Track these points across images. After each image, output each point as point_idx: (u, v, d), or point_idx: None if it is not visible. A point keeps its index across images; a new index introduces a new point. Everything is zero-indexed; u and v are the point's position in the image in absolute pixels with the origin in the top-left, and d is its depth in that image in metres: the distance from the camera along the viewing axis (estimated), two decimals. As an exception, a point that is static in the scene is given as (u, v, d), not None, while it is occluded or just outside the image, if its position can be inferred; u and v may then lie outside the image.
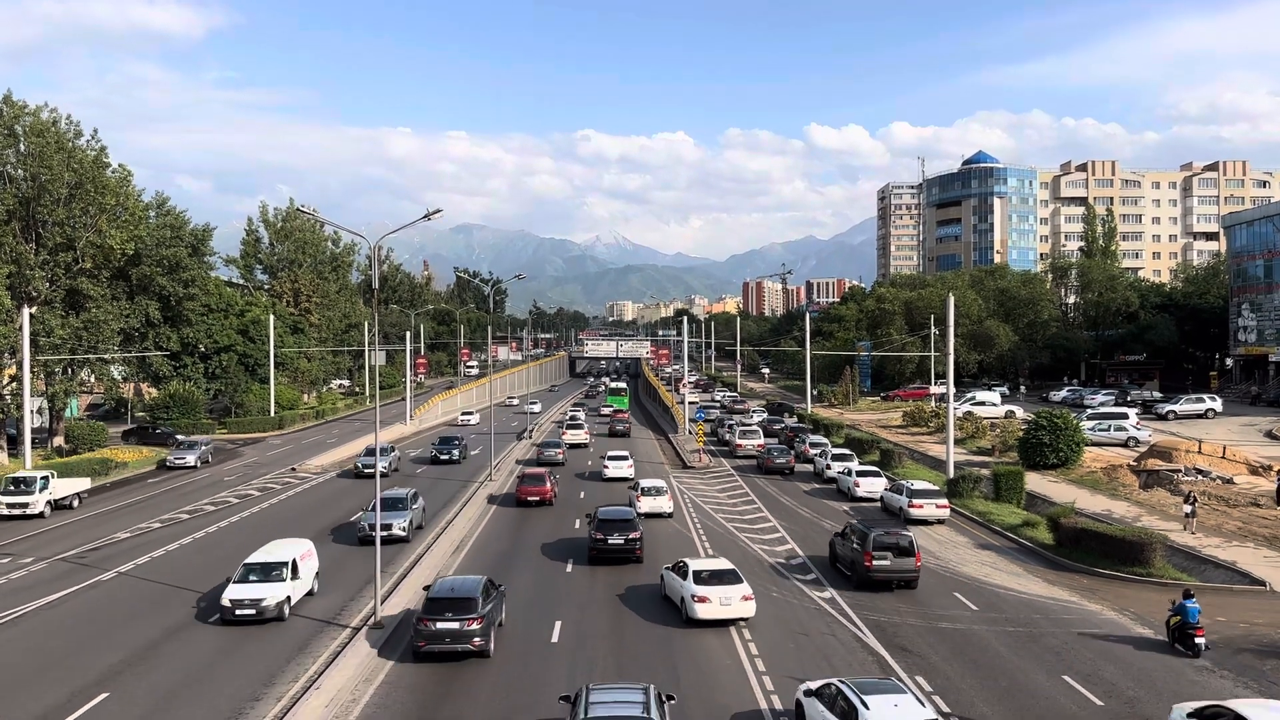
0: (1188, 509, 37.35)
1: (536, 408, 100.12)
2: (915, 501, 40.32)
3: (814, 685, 18.96)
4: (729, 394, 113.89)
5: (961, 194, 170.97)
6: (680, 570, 26.79)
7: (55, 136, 58.10)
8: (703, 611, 25.00)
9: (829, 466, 51.51)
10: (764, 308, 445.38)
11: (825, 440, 61.32)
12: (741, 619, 25.46)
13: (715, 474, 56.12)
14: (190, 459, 59.10)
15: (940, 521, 40.46)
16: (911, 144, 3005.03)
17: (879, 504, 44.22)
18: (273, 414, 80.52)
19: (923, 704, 17.51)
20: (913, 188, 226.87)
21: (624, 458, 53.50)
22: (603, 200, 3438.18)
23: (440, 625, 22.38)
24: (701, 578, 25.63)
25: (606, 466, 52.58)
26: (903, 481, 43.30)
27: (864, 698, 17.27)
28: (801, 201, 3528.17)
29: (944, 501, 40.74)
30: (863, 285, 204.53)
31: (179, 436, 67.04)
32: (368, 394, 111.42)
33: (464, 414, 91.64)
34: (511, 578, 30.17)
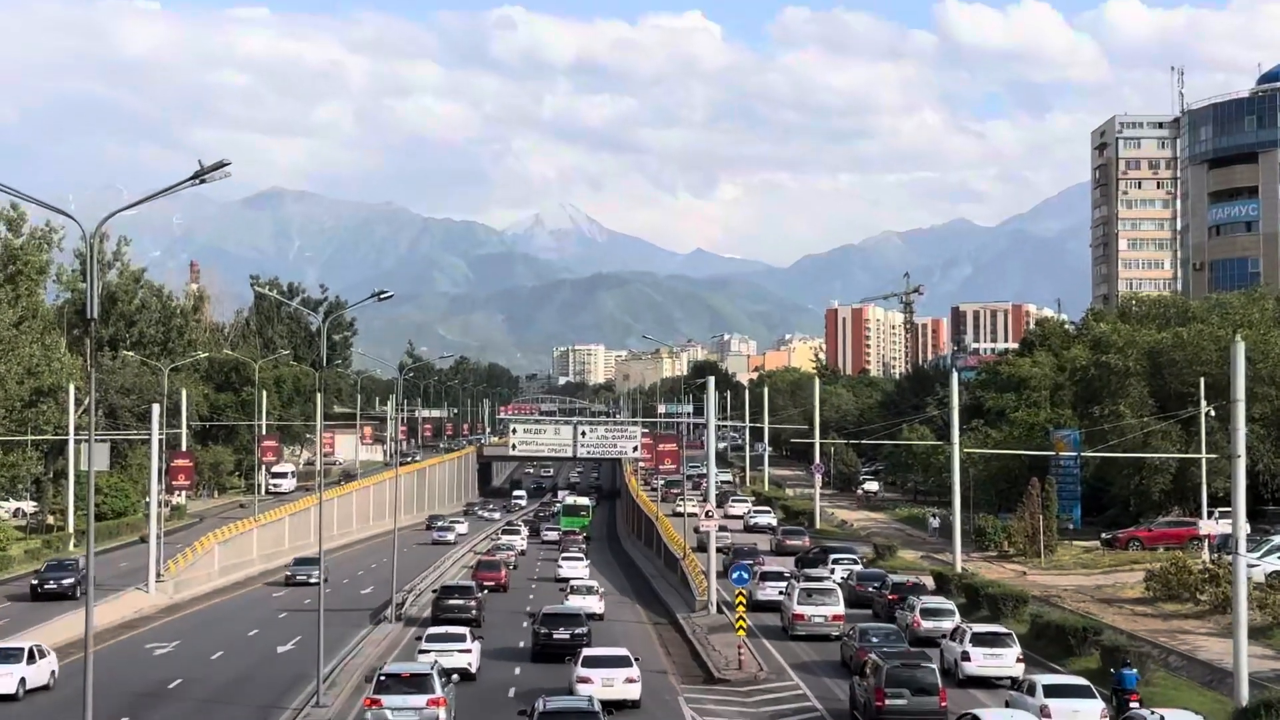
0: None
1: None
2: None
3: None
4: (789, 527, 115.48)
5: (1259, 140, 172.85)
6: (575, 658, 52.35)
7: None
8: (582, 689, 48.01)
9: (966, 656, 54.56)
10: (867, 359, 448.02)
11: (950, 605, 65.63)
12: (627, 700, 49.75)
13: (770, 695, 55.74)
14: None
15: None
16: (1148, 39, 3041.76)
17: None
18: None
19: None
20: (1159, 125, 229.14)
21: (580, 559, 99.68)
22: (544, 145, 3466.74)
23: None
24: (588, 661, 50.83)
25: (560, 567, 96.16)
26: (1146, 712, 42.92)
27: None
28: (938, 151, 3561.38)
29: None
30: (1063, 317, 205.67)
31: None
32: (72, 529, 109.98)
33: None
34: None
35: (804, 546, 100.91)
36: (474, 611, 68.91)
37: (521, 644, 66.20)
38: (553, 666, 56.33)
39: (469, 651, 55.93)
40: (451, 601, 69.64)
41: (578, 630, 60.39)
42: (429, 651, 54.10)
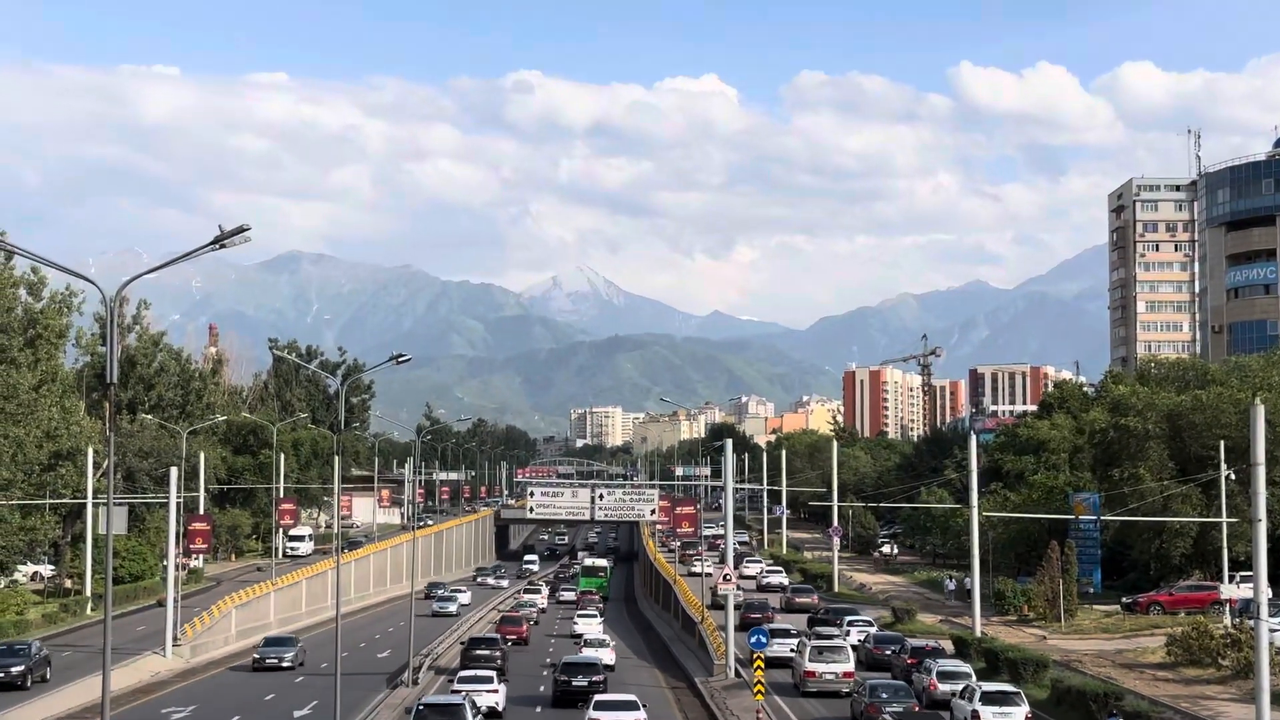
0: None
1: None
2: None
3: None
4: (797, 586, 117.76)
5: (1277, 202, 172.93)
6: (588, 703, 59.91)
7: None
8: None
9: (976, 715, 55.43)
10: (885, 421, 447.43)
11: (966, 668, 65.87)
12: None
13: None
14: None
15: None
16: (1163, 102, 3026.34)
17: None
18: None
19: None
20: (1176, 188, 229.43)
21: (594, 617, 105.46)
22: (562, 208, 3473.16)
23: None
24: (600, 705, 57.63)
25: (576, 624, 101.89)
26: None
27: None
28: (954, 213, 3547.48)
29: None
30: (1081, 379, 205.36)
31: None
32: (90, 592, 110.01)
33: None
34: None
35: (812, 604, 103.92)
36: (499, 661, 75.52)
37: (541, 690, 72.98)
38: (570, 711, 64.10)
39: (496, 692, 64.21)
40: (479, 652, 76.92)
41: (594, 678, 68.11)
42: (460, 691, 61.63)
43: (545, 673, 78.06)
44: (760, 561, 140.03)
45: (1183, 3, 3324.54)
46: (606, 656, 79.71)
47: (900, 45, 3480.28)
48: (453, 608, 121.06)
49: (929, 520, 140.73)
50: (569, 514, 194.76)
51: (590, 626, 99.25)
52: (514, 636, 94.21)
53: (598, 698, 59.77)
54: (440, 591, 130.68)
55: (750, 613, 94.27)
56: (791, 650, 75.60)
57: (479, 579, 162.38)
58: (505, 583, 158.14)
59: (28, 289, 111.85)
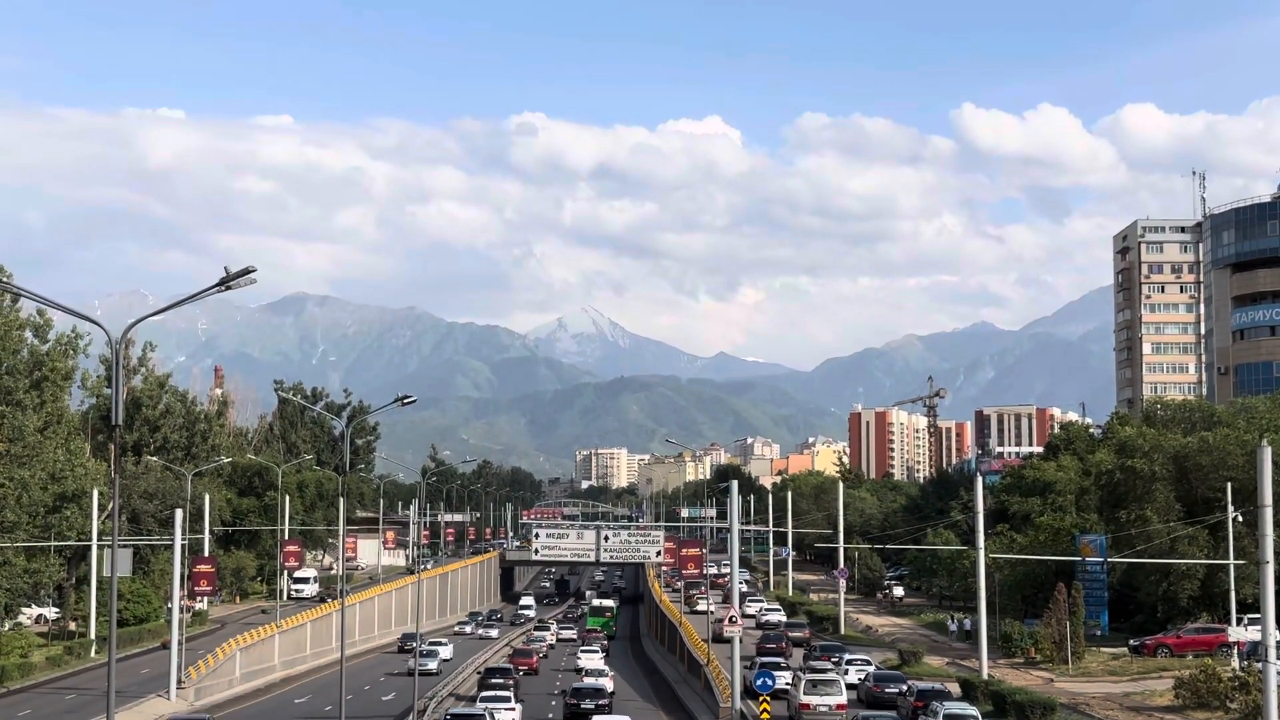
0: None
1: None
2: None
3: None
4: (790, 621, 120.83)
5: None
6: None
7: None
8: None
9: None
10: (891, 462, 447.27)
11: (973, 710, 65.85)
12: None
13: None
14: None
15: None
16: (1165, 144, 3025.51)
17: None
18: None
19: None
20: (1181, 229, 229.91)
21: (596, 651, 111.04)
22: (566, 250, 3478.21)
23: None
24: None
25: (579, 658, 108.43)
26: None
27: None
28: (958, 254, 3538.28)
29: None
30: (1087, 421, 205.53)
31: None
32: (94, 635, 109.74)
33: None
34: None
35: (804, 638, 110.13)
36: (513, 687, 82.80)
37: (550, 714, 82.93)
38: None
39: (513, 710, 75.12)
40: (494, 680, 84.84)
41: (600, 702, 77.37)
42: (482, 706, 72.83)
43: (554, 699, 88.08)
44: (761, 601, 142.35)
45: (1184, 45, 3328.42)
46: (607, 685, 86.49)
47: (903, 87, 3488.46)
48: (433, 664, 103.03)
49: (935, 562, 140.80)
50: (574, 556, 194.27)
51: (592, 660, 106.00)
52: (525, 667, 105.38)
53: (598, 719, 71.59)
54: (417, 645, 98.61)
55: (765, 643, 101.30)
56: (787, 683, 77.83)
57: (458, 627, 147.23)
58: (495, 632, 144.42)
59: (34, 331, 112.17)
